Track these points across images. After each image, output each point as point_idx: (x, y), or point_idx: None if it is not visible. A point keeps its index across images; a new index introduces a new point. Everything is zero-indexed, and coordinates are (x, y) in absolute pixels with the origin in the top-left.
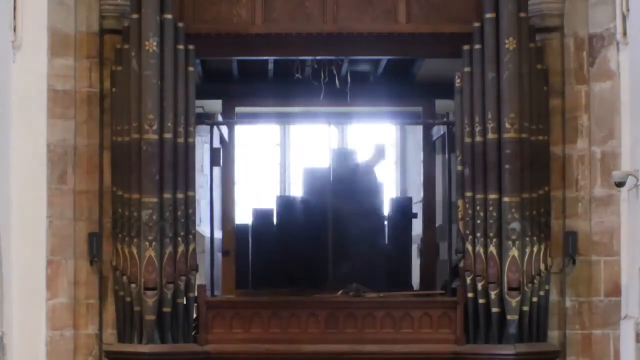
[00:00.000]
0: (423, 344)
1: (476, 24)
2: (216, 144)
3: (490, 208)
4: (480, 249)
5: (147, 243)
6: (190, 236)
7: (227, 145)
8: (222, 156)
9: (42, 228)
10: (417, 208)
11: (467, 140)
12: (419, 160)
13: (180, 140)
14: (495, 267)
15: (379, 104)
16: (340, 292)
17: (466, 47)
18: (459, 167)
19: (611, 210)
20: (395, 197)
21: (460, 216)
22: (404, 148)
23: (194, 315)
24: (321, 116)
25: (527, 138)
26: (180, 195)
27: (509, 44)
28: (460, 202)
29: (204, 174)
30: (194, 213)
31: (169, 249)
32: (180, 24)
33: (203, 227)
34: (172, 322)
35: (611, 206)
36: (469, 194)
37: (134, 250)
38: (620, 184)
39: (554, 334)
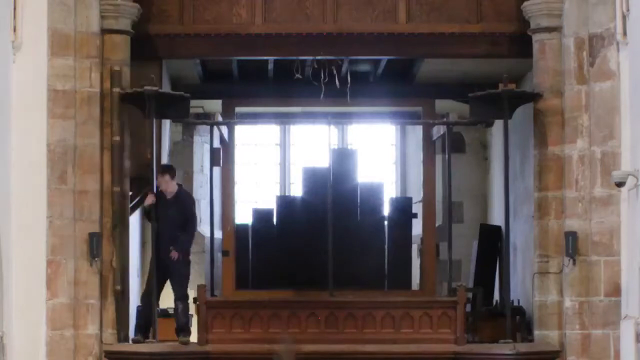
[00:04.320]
0: (423, 344)
1: None
2: (216, 144)
3: None
4: None
5: None
6: None
7: (227, 145)
8: (222, 156)
9: (42, 228)
10: (417, 208)
11: None
12: (419, 160)
13: None
14: None
15: (379, 104)
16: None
17: None
18: None
19: (611, 210)
20: (395, 197)
21: None
22: (404, 148)
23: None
24: (321, 116)
25: None
26: None
27: None
28: None
29: (204, 174)
30: None
31: None
32: None
33: (203, 227)
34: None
35: (611, 206)
36: None
37: None
38: (620, 184)
39: (554, 334)
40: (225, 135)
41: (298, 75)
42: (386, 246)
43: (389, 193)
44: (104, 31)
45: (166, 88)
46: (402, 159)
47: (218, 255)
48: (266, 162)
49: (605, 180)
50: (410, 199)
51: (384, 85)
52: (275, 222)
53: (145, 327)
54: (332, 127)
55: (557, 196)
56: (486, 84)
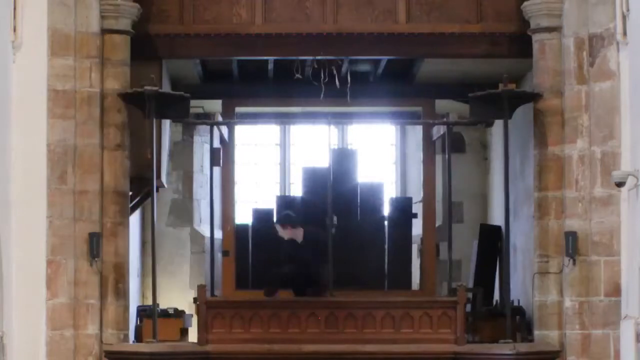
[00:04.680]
0: (423, 344)
1: None
2: (216, 144)
3: None
4: None
5: None
6: None
7: (227, 145)
8: (222, 156)
9: (42, 228)
10: (417, 208)
11: None
12: (419, 160)
13: None
14: None
15: (379, 104)
16: None
17: None
18: None
19: (611, 210)
20: (395, 197)
21: None
22: (404, 148)
23: None
24: (321, 116)
25: None
26: None
27: None
28: None
29: (204, 174)
30: None
31: None
32: None
33: (203, 227)
34: None
35: (611, 206)
36: None
37: None
38: (620, 184)
39: (554, 334)
40: (225, 135)
41: (298, 75)
42: (386, 246)
43: (389, 193)
44: (104, 31)
45: (166, 88)
46: (402, 159)
47: (218, 255)
48: (266, 162)
49: (605, 180)
50: (410, 199)
51: (384, 85)
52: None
53: None
54: (332, 127)
55: (557, 196)
56: (486, 84)
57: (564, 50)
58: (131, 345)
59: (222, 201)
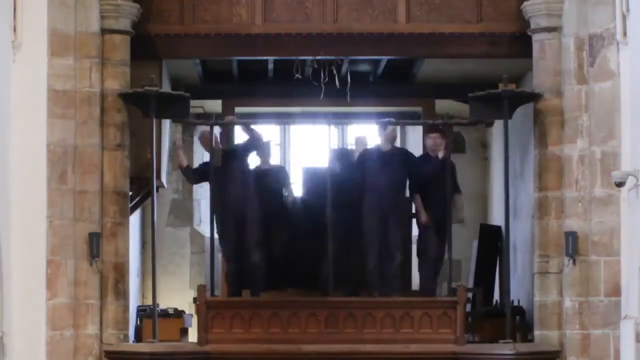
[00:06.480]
0: (423, 344)
1: None
2: None
3: None
4: None
5: None
6: None
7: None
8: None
9: (42, 228)
10: None
11: None
12: None
13: None
14: None
15: (379, 104)
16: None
17: None
18: None
19: (611, 210)
20: None
21: None
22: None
23: None
24: (321, 116)
25: None
26: None
27: None
28: None
29: None
30: None
31: None
32: None
33: (203, 227)
34: None
35: (611, 206)
36: None
37: None
38: (620, 184)
39: (554, 334)
40: None
41: (298, 75)
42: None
43: None
44: (104, 31)
45: (166, 88)
46: None
47: (218, 255)
48: None
49: (605, 180)
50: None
51: (384, 85)
52: None
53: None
54: (332, 127)
55: (557, 196)
56: (486, 84)
57: (564, 50)
58: (131, 345)
59: None
